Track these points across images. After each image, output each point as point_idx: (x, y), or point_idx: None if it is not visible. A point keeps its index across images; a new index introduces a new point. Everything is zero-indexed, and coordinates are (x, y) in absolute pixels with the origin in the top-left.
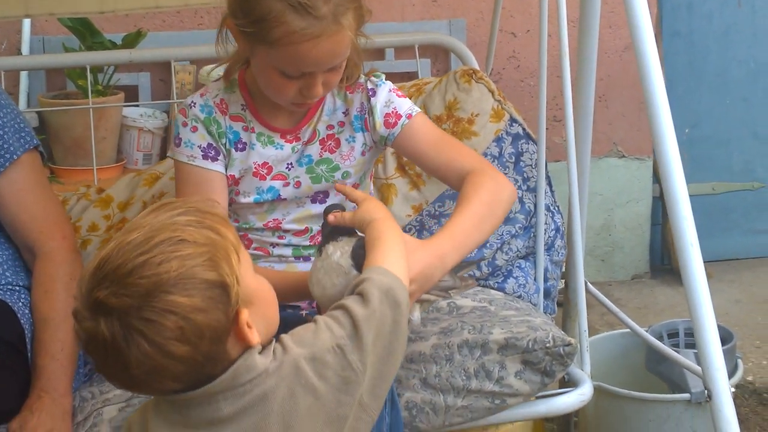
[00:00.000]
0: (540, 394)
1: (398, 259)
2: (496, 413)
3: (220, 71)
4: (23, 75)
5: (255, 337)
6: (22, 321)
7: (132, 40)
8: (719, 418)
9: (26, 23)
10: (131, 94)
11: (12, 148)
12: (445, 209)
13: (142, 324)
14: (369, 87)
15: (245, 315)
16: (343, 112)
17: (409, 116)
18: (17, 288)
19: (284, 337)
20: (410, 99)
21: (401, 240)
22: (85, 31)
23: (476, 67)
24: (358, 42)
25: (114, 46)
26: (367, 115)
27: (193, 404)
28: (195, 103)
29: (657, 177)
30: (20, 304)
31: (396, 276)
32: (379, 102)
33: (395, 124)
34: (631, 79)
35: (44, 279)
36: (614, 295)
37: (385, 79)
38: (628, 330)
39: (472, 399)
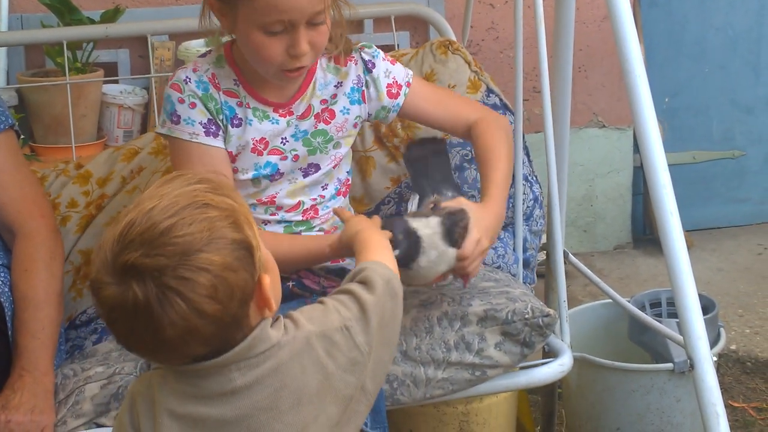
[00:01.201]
0: (520, 365)
1: (390, 257)
2: (477, 385)
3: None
4: (2, 53)
5: (274, 303)
6: (2, 299)
7: (110, 17)
8: (702, 387)
9: (3, 1)
10: (111, 71)
11: None
12: None
13: (178, 282)
14: (366, 59)
15: (267, 280)
16: (335, 85)
17: (408, 84)
18: None
19: (294, 313)
20: None
21: (387, 243)
22: (63, 8)
23: (453, 38)
24: (342, 11)
25: (92, 22)
26: (364, 88)
27: (205, 375)
28: (190, 79)
29: (638, 147)
30: None
31: (392, 269)
32: (380, 73)
33: (398, 94)
34: (611, 49)
35: (24, 258)
36: (597, 266)
37: (377, 49)
38: (610, 300)
39: (453, 371)
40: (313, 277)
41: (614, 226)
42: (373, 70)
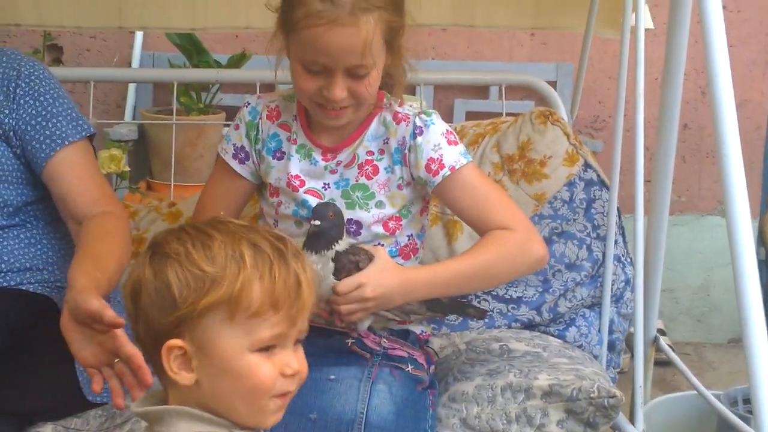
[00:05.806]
0: None
1: None
2: None
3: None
4: (131, 89)
5: (182, 378)
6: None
7: (236, 62)
8: None
9: (138, 39)
10: (234, 115)
11: (65, 134)
12: None
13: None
14: (417, 124)
15: (176, 343)
16: (384, 140)
17: (452, 168)
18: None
19: None
20: (486, 137)
21: None
22: (193, 50)
23: (563, 110)
24: (403, 71)
25: (219, 65)
26: (407, 151)
27: None
28: (249, 104)
29: (762, 239)
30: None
31: None
32: (427, 144)
33: (437, 172)
34: (741, 136)
35: (102, 229)
36: (708, 357)
37: (436, 119)
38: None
39: None
40: (373, 337)
41: (731, 318)
42: (419, 137)
